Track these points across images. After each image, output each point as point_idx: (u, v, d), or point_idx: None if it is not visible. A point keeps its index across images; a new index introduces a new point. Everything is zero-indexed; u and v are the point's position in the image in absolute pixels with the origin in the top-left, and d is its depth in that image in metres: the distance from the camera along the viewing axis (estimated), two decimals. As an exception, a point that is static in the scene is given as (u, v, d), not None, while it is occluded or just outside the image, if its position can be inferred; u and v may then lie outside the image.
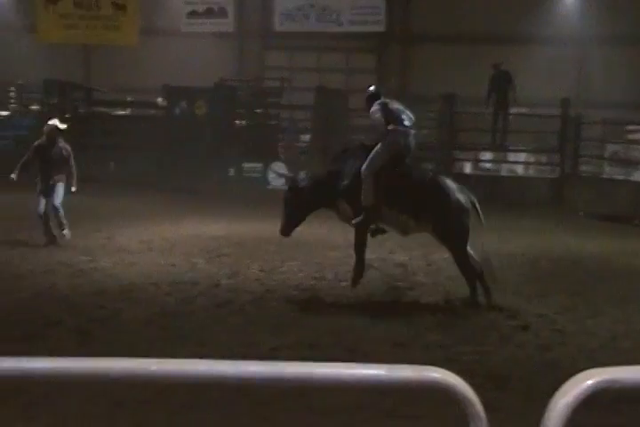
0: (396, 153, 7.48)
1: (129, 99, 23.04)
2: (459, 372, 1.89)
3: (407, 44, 25.16)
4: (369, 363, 1.95)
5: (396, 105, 7.71)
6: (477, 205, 7.45)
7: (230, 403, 4.37)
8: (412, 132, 7.58)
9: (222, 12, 25.47)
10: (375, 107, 7.60)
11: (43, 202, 9.96)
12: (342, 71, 25.17)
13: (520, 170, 18.44)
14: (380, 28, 24.30)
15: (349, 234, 11.61)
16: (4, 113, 21.67)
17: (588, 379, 1.79)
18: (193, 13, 25.58)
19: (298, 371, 1.92)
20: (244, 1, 25.92)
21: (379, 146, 7.47)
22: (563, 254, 10.53)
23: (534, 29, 22.58)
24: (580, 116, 18.15)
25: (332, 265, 9.12)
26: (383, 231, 7.72)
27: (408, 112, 7.65)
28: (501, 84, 17.75)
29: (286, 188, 8.19)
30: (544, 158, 18.40)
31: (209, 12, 25.49)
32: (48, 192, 9.94)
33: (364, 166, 7.40)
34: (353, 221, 7.56)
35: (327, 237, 11.35)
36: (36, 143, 10.18)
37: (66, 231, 10.08)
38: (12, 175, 9.94)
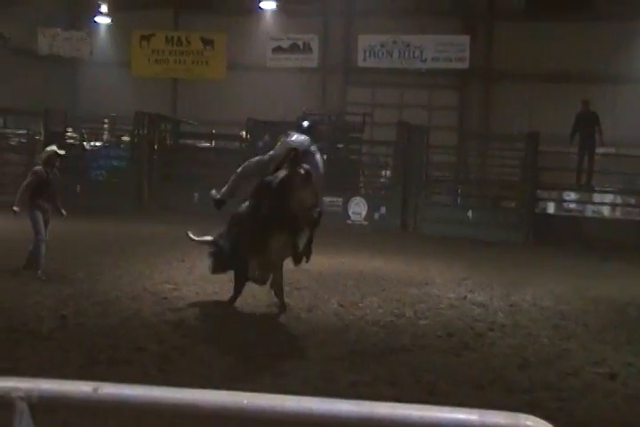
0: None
1: (214, 131, 23.62)
2: (541, 418, 1.84)
3: (489, 82, 25.08)
4: (454, 406, 1.92)
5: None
6: None
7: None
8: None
9: (307, 48, 25.99)
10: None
11: (44, 230, 9.55)
12: (424, 107, 25.23)
13: (606, 211, 17.99)
14: (465, 66, 24.29)
15: (430, 271, 11.48)
16: (98, 143, 22.51)
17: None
18: (278, 49, 26.18)
19: (390, 412, 1.89)
20: (327, 37, 26.40)
21: None
22: (651, 300, 10.17)
23: (622, 68, 22.24)
24: (670, 158, 17.71)
25: (412, 303, 9.05)
26: None
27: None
28: (587, 124, 17.35)
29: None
30: (632, 200, 17.92)
31: (293, 48, 26.05)
32: (46, 223, 9.65)
33: None
34: None
35: (406, 273, 11.29)
36: (35, 169, 9.82)
37: (40, 272, 9.46)
38: (15, 208, 9.47)
